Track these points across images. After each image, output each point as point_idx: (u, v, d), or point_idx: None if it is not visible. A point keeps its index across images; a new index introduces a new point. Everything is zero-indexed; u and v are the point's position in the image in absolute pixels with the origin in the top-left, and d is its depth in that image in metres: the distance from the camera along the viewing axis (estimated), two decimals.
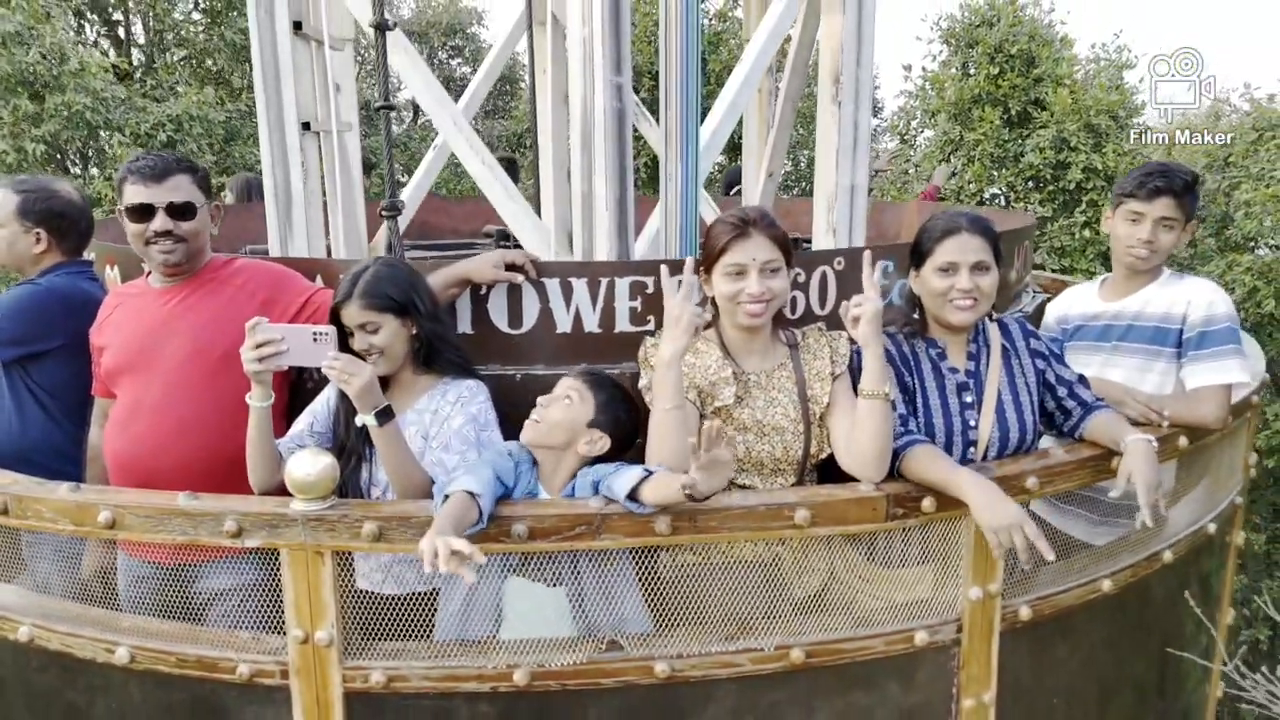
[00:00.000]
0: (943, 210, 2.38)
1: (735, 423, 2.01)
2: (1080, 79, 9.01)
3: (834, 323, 2.48)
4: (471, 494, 1.70)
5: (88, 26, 11.08)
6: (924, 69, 9.94)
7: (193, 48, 11.40)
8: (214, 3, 11.07)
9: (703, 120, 2.87)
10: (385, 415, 1.92)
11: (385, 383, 2.08)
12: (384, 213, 2.92)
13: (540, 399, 1.97)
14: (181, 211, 2.17)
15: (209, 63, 11.36)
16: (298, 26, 3.11)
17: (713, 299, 2.08)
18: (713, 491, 1.65)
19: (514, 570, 1.92)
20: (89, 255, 2.75)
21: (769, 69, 4.06)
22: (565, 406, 1.94)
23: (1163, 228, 2.37)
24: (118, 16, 11.28)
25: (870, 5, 3.23)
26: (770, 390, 2.04)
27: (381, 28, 2.79)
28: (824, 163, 3.26)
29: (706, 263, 2.04)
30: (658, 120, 2.87)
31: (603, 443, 1.93)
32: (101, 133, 8.70)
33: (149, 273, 2.33)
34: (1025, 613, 2.01)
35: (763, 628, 1.89)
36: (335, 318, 2.05)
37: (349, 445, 2.07)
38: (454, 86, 15.74)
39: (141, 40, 11.68)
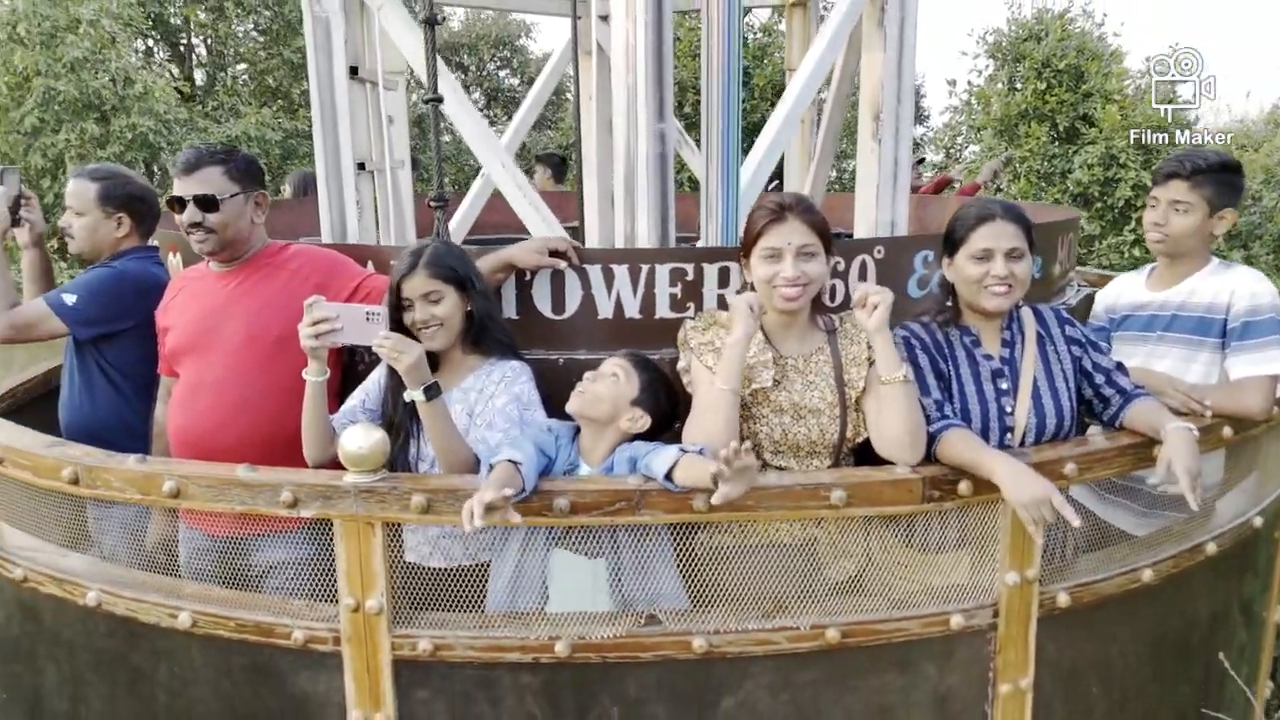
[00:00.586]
0: (975, 200, 2.39)
1: (772, 404, 2.04)
2: (1131, 93, 8.81)
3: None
4: (515, 463, 1.77)
5: (154, 48, 11.42)
6: (969, 83, 9.82)
7: (253, 66, 11.71)
8: (274, 25, 11.37)
9: (746, 147, 2.91)
10: (433, 391, 1.99)
11: (433, 363, 2.15)
12: (432, 204, 3.00)
13: (587, 374, 2.04)
14: (205, 204, 2.26)
15: (269, 80, 11.67)
16: (354, 71, 3.24)
17: (752, 284, 2.11)
18: (739, 496, 1.70)
19: (557, 542, 1.98)
20: (153, 241, 2.88)
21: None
22: (612, 382, 2.00)
23: (1174, 211, 2.36)
24: (181, 36, 11.64)
25: (911, 42, 3.25)
26: (808, 374, 2.07)
27: (431, 22, 2.87)
28: (864, 197, 3.29)
29: (745, 247, 2.08)
30: (699, 145, 2.94)
31: (643, 421, 1.98)
32: (163, 153, 8.99)
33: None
34: (1064, 599, 2.01)
35: (799, 607, 1.92)
36: (395, 295, 2.12)
37: (398, 421, 2.15)
38: (501, 97, 15.96)
39: (204, 58, 12.03)
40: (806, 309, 2.10)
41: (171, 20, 11.07)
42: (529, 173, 6.42)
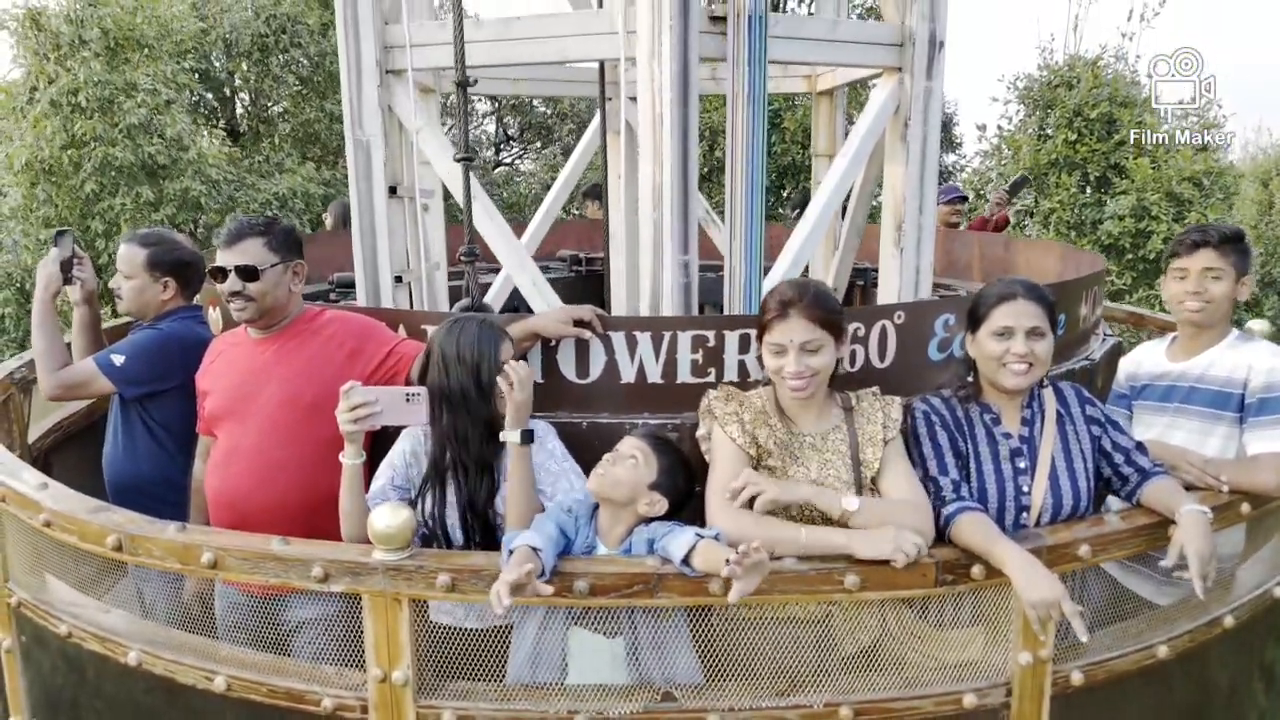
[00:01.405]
0: (1001, 277, 2.42)
1: (787, 479, 2.09)
2: (1164, 139, 8.66)
3: (894, 375, 2.55)
4: (534, 549, 1.83)
5: (200, 102, 11.73)
6: (999, 128, 9.75)
7: (295, 118, 12.01)
8: (315, 76, 11.64)
9: (772, 187, 3.01)
10: (528, 437, 2.06)
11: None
12: (463, 258, 3.07)
13: (606, 456, 2.08)
14: (246, 274, 2.36)
15: (315, 127, 11.98)
16: (393, 190, 3.40)
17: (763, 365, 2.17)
18: (751, 591, 1.75)
19: (575, 621, 2.03)
20: (197, 300, 2.99)
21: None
22: (631, 466, 2.04)
23: (1209, 278, 2.38)
24: (225, 90, 11.97)
25: (933, 155, 3.35)
26: (824, 452, 2.11)
27: (463, 85, 2.95)
28: (886, 299, 3.37)
29: (759, 332, 2.13)
30: (723, 218, 3.01)
31: (660, 505, 2.03)
32: (210, 213, 9.27)
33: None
34: (1077, 678, 2.03)
35: (812, 684, 1.96)
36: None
37: (431, 502, 2.21)
38: (534, 124, 16.13)
39: (245, 103, 12.36)
40: (823, 389, 2.14)
41: (217, 75, 11.39)
42: (580, 207, 6.50)
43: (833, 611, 2.06)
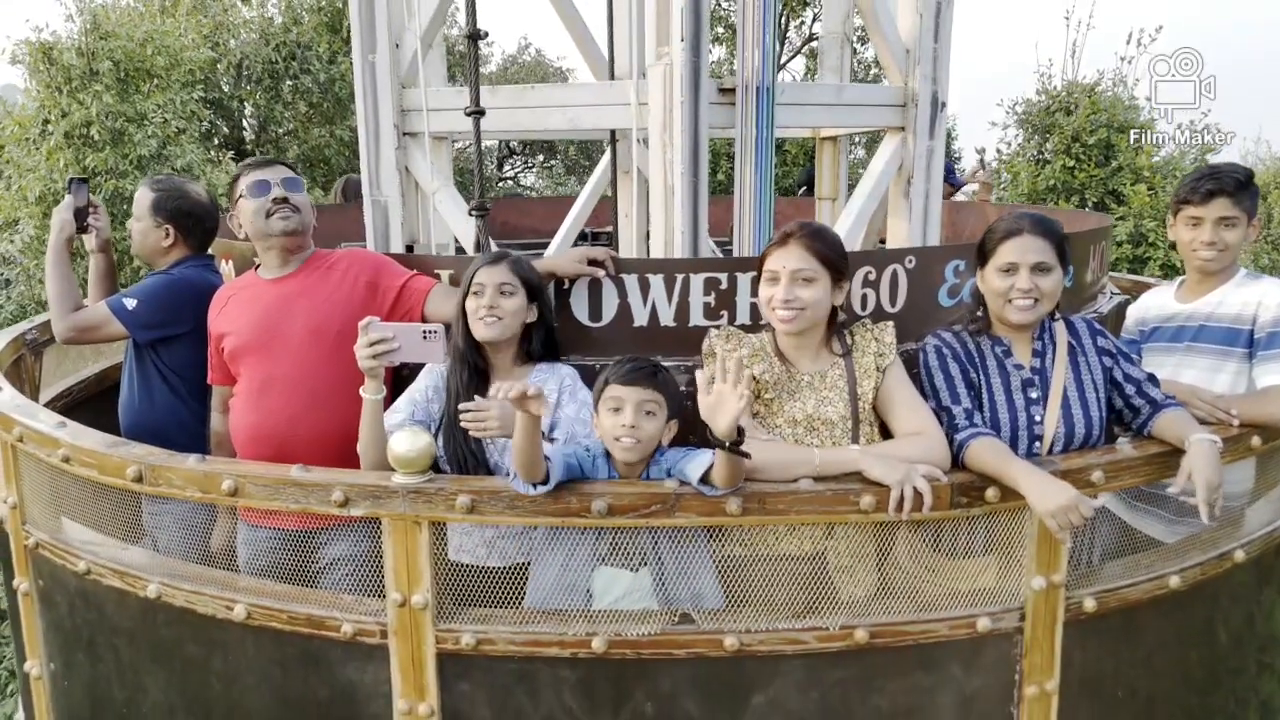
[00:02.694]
0: (1010, 211, 2.43)
1: (785, 416, 2.11)
2: (1162, 160, 8.66)
3: (904, 320, 2.57)
4: (544, 457, 1.85)
5: (211, 130, 11.86)
6: (998, 151, 9.80)
7: (304, 144, 12.12)
8: (324, 102, 11.74)
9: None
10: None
11: (486, 373, 2.24)
12: (474, 212, 3.09)
13: (621, 422, 1.98)
14: (292, 185, 2.42)
15: (325, 152, 12.11)
16: (409, 248, 3.52)
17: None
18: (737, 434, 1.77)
19: (602, 559, 2.04)
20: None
21: None
22: (653, 419, 2.01)
23: (1224, 227, 2.39)
24: (236, 117, 12.10)
25: (935, 212, 3.56)
26: (822, 390, 2.13)
27: (474, 37, 2.97)
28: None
29: (757, 269, 2.15)
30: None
31: (676, 429, 2.04)
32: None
33: (257, 267, 2.54)
34: (1090, 604, 2.05)
35: (828, 609, 1.98)
36: (469, 281, 2.22)
37: (463, 444, 2.22)
38: (538, 148, 16.21)
39: (254, 128, 12.48)
40: (819, 331, 2.15)
41: (227, 102, 11.49)
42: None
43: (827, 548, 2.07)
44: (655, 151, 3.07)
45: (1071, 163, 8.61)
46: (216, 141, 11.81)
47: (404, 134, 3.43)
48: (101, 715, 2.41)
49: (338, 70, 11.25)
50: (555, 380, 2.25)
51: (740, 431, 1.77)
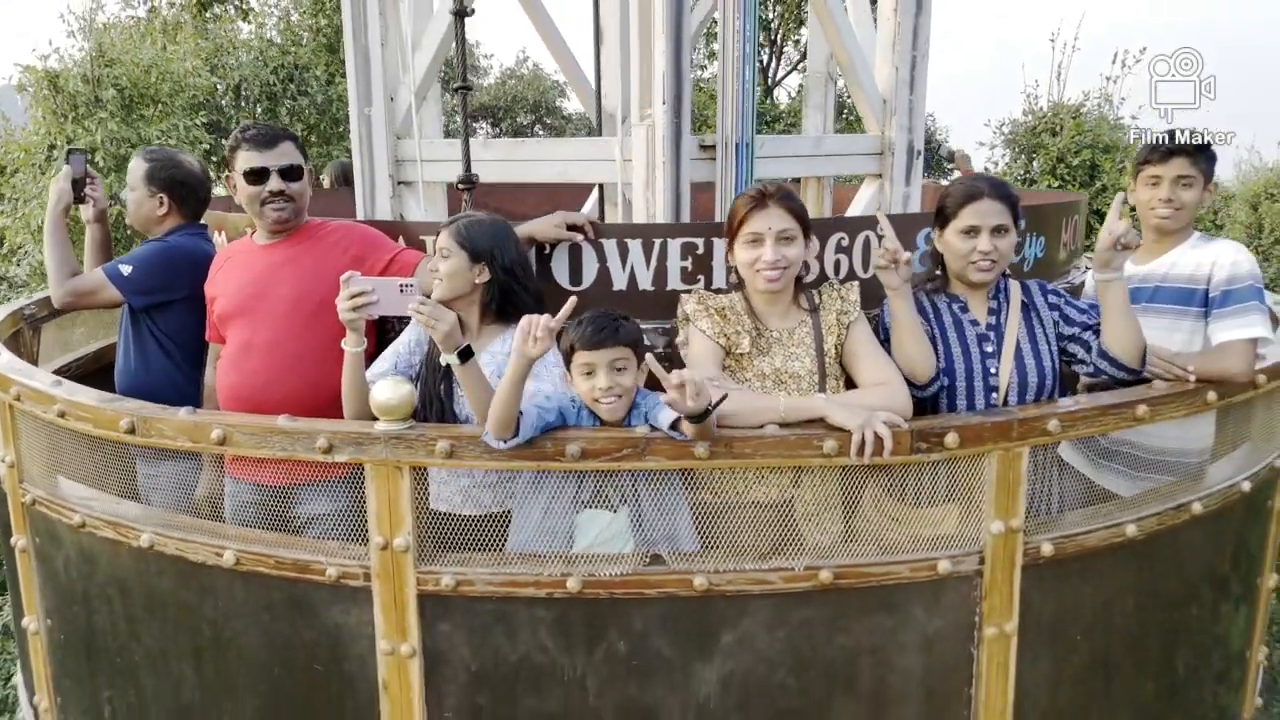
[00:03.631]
0: (966, 176, 2.52)
1: (755, 370, 2.20)
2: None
3: (877, 285, 2.64)
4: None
5: (212, 158, 12.06)
6: (986, 169, 9.90)
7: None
8: (321, 124, 11.87)
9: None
10: (466, 355, 2.15)
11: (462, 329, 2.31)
12: (460, 186, 3.17)
13: (598, 384, 2.05)
14: (292, 173, 2.46)
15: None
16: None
17: (735, 268, 2.26)
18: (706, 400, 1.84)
19: (585, 503, 2.12)
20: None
21: None
22: (626, 373, 2.08)
23: (1181, 186, 2.47)
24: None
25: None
26: (790, 346, 2.22)
27: (460, 14, 3.05)
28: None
29: (730, 234, 2.23)
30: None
31: (646, 369, 2.12)
32: None
33: (253, 233, 2.62)
34: (1047, 549, 2.13)
35: (794, 550, 2.06)
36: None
37: (433, 390, 2.30)
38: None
39: None
40: (790, 289, 2.24)
41: (227, 125, 11.62)
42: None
43: (794, 496, 2.15)
44: (639, 203, 3.20)
45: (1057, 183, 8.73)
46: (215, 160, 11.97)
47: (399, 183, 3.58)
48: (97, 665, 2.49)
49: (335, 91, 11.37)
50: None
51: (708, 404, 1.85)
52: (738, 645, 2.04)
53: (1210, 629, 2.58)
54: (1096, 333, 2.24)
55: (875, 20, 3.77)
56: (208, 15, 12.06)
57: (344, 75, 10.80)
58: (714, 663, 2.05)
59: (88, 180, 2.97)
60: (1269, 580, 2.85)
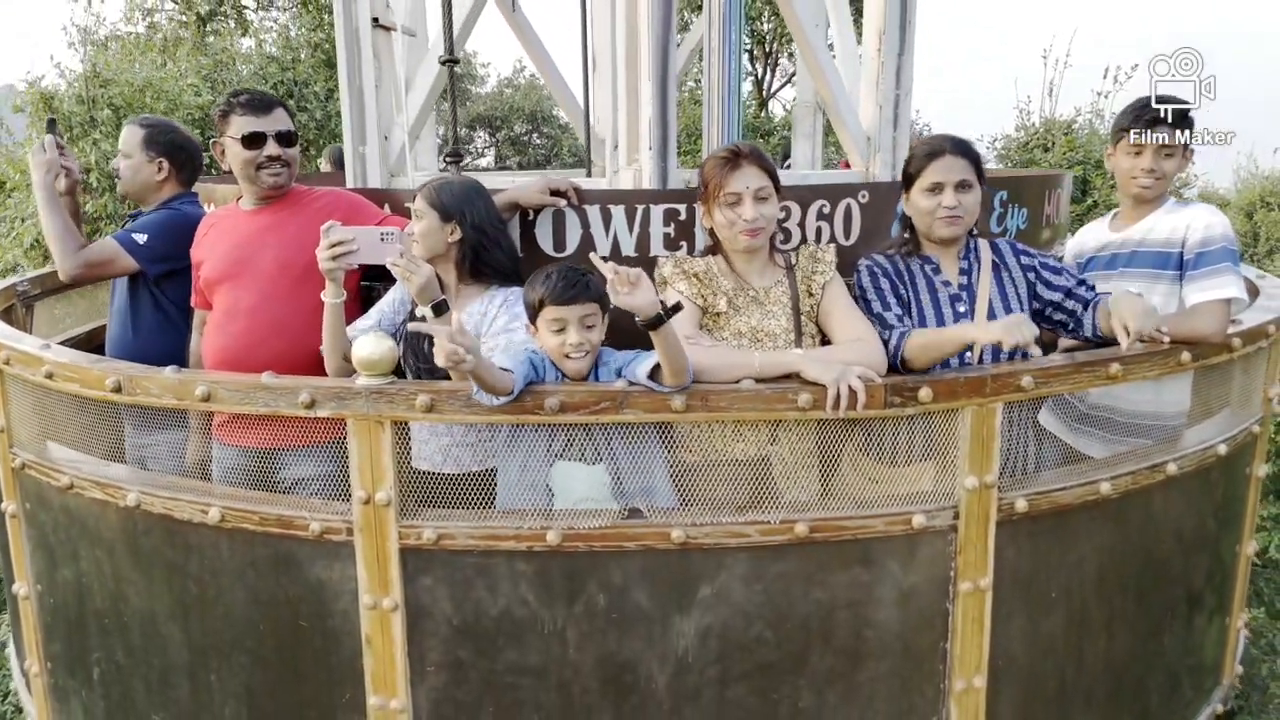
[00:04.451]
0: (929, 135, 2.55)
1: (732, 329, 2.23)
2: None
3: (857, 251, 2.67)
4: (506, 370, 1.95)
5: (212, 172, 12.14)
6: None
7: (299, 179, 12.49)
8: (321, 142, 11.94)
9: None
10: (441, 308, 2.18)
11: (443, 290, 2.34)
12: (448, 159, 3.20)
13: (569, 339, 2.09)
14: (287, 139, 2.50)
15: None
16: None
17: (711, 229, 2.29)
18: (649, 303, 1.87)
19: (559, 455, 2.15)
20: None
21: None
22: (594, 329, 2.13)
23: (1163, 156, 2.50)
24: None
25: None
26: (767, 304, 2.25)
27: (451, 63, 3.09)
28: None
29: (705, 196, 2.25)
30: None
31: (607, 322, 2.15)
32: None
33: (239, 199, 2.64)
34: (1022, 505, 2.15)
35: (770, 504, 2.08)
36: None
37: (417, 348, 2.33)
38: (534, 157, 16.37)
39: None
40: (766, 247, 2.27)
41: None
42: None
43: (771, 454, 2.18)
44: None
45: None
46: (210, 170, 12.04)
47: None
48: (85, 627, 2.51)
49: (333, 106, 11.41)
50: (501, 297, 2.35)
51: (663, 304, 1.88)
52: (715, 598, 2.07)
53: (1186, 591, 2.61)
54: (1079, 300, 2.26)
55: (860, 55, 3.79)
56: (207, 30, 12.07)
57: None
58: (692, 616, 2.07)
59: (61, 151, 2.98)
60: (1248, 546, 2.88)
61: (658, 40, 2.75)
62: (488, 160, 16.05)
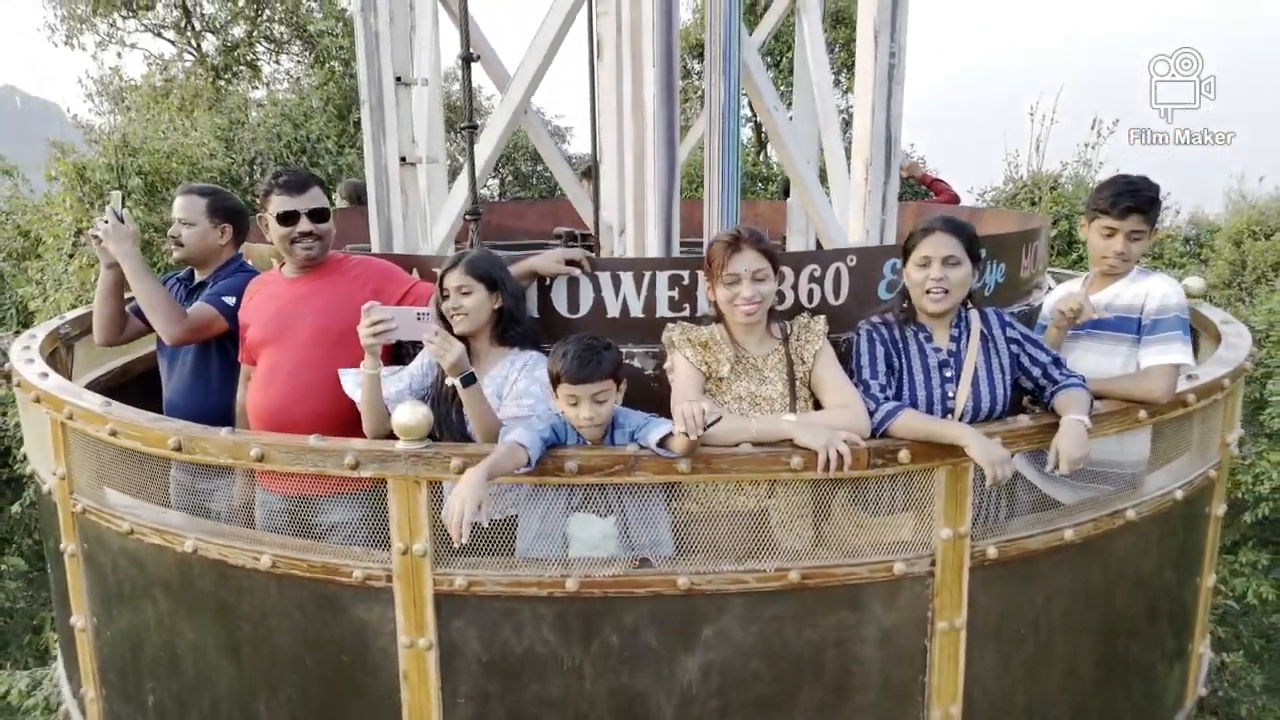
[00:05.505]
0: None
1: (732, 394, 2.47)
2: None
3: (847, 311, 2.91)
4: (522, 445, 2.19)
5: None
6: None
7: None
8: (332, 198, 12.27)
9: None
10: (469, 380, 2.42)
11: (470, 353, 2.59)
12: (468, 216, 3.44)
13: (582, 414, 2.33)
14: (320, 216, 2.74)
15: None
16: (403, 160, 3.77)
17: (715, 301, 2.54)
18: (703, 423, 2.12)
19: (577, 508, 2.39)
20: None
21: None
22: (605, 404, 2.36)
23: (1132, 239, 2.73)
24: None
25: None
26: (764, 371, 2.50)
27: (468, 60, 3.32)
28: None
29: (709, 275, 2.50)
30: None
31: (624, 389, 2.39)
32: None
33: (281, 265, 2.88)
34: (992, 552, 2.40)
35: (767, 554, 2.33)
36: (440, 286, 2.57)
37: (442, 406, 2.58)
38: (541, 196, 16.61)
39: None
40: (764, 320, 2.53)
41: (242, 198, 12.04)
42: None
43: (769, 506, 2.42)
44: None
45: None
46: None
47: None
48: (140, 658, 2.76)
49: (345, 160, 11.68)
50: (521, 361, 2.60)
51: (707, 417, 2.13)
52: (717, 638, 2.31)
53: (1148, 625, 2.85)
54: (1050, 380, 2.50)
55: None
56: (221, 82, 12.32)
57: (353, 144, 11.13)
58: (696, 654, 2.32)
59: (120, 221, 3.20)
60: (1208, 579, 3.12)
61: (663, 139, 3.02)
62: (491, 190, 16.37)
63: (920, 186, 6.68)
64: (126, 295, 3.21)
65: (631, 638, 2.31)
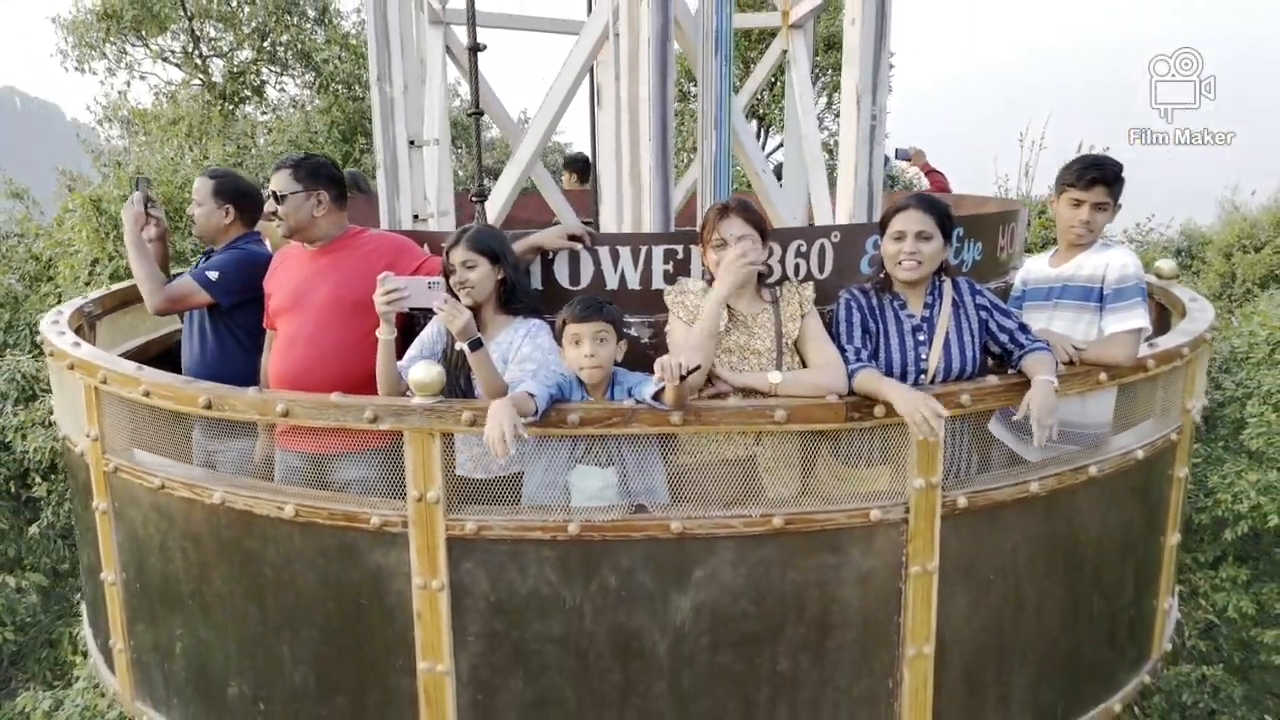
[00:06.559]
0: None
1: (723, 346, 2.66)
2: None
3: (831, 284, 3.11)
4: (530, 394, 2.38)
5: None
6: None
7: None
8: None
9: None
10: (477, 345, 2.61)
11: (478, 322, 2.78)
12: (474, 199, 3.64)
13: (583, 352, 2.56)
14: (280, 197, 2.97)
15: None
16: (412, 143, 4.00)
17: (707, 267, 2.75)
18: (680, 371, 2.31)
19: (579, 459, 2.58)
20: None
21: None
22: (606, 344, 2.58)
23: (1097, 210, 2.92)
24: None
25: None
26: (754, 328, 2.70)
27: (474, 49, 3.51)
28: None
29: (702, 241, 2.71)
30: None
31: (624, 348, 2.59)
32: None
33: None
34: (962, 501, 2.59)
35: (754, 501, 2.52)
36: (446, 261, 2.76)
37: (454, 368, 2.77)
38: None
39: None
40: (753, 283, 2.72)
41: None
42: (556, 174, 7.17)
43: (757, 453, 2.61)
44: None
45: None
46: None
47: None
48: (169, 608, 2.95)
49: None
50: (525, 329, 2.79)
51: (681, 364, 2.33)
52: (707, 580, 2.50)
53: (1113, 576, 3.05)
54: (1017, 345, 2.69)
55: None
56: (230, 107, 12.49)
57: (356, 163, 11.30)
58: (688, 594, 2.51)
59: (151, 204, 3.42)
60: (1172, 538, 3.32)
61: (659, 204, 3.31)
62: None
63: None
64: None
65: (628, 579, 2.50)
